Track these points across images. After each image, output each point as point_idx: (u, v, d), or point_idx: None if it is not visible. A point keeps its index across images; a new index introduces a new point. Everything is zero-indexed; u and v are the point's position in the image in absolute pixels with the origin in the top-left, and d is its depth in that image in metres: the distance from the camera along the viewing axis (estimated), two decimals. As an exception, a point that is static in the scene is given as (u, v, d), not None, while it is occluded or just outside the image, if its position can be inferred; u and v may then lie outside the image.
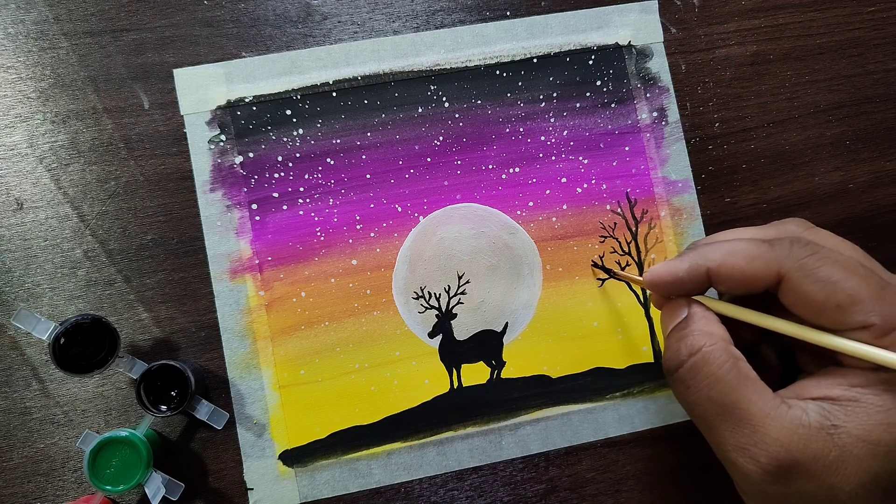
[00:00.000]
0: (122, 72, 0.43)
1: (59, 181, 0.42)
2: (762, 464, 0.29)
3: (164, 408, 0.39)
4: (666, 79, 0.45)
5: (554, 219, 0.44)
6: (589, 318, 0.44)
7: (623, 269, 0.44)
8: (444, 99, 0.44)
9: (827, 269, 0.30)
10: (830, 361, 0.32)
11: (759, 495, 0.30)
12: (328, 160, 0.43)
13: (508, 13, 0.45)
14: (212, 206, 0.42)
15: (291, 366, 0.42)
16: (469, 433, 0.42)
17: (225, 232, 0.42)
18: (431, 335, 0.43)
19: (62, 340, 0.37)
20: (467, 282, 0.43)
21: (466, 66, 0.44)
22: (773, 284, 0.31)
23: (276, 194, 0.43)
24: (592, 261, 0.44)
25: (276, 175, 0.43)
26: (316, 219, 0.43)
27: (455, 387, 0.43)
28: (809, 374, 0.32)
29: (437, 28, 0.44)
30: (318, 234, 0.43)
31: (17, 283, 0.41)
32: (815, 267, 0.30)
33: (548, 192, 0.44)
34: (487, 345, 0.43)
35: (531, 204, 0.44)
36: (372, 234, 0.43)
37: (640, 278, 0.39)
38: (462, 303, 0.43)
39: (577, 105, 0.45)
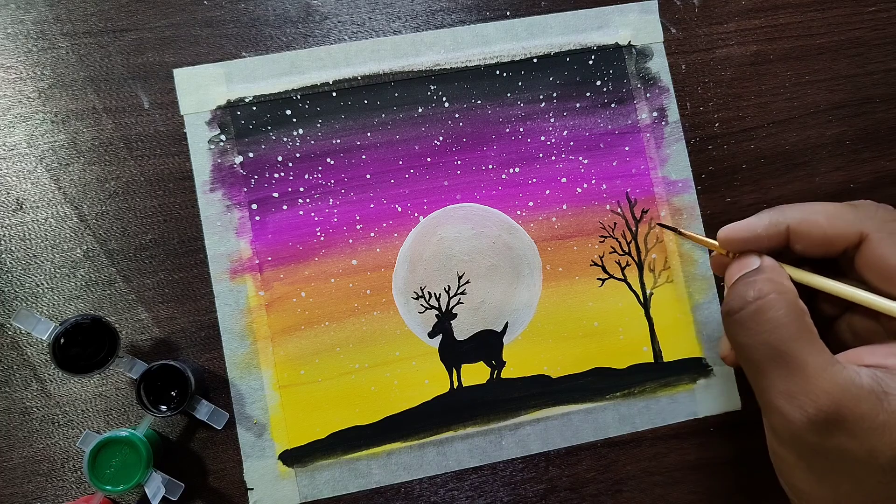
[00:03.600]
0: (122, 72, 0.43)
1: (59, 181, 0.42)
2: (808, 413, 0.29)
3: (164, 408, 0.39)
4: (666, 79, 0.45)
5: (554, 219, 0.44)
6: (589, 318, 0.44)
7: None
8: (444, 99, 0.44)
9: None
10: (879, 337, 0.32)
11: (795, 444, 0.30)
12: (328, 160, 0.43)
13: (508, 13, 0.45)
14: (212, 206, 0.42)
15: (291, 366, 0.42)
16: (469, 433, 0.42)
17: (225, 232, 0.42)
18: (431, 335, 0.43)
19: (62, 340, 0.37)
20: (467, 282, 0.43)
21: (466, 66, 0.44)
22: (852, 245, 0.32)
23: (276, 194, 0.43)
24: (660, 223, 0.44)
25: (276, 175, 0.43)
26: (316, 219, 0.43)
27: (455, 387, 0.43)
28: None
29: (437, 28, 0.44)
30: (318, 234, 0.43)
31: (17, 283, 0.41)
32: None
33: (548, 192, 0.44)
34: (487, 345, 0.43)
35: (531, 204, 0.44)
36: (372, 234, 0.43)
37: (710, 240, 0.38)
38: (462, 303, 0.43)
39: (577, 105, 0.45)
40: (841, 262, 0.34)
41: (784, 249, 0.35)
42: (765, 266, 0.33)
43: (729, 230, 0.35)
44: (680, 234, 0.42)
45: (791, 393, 0.30)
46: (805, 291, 0.34)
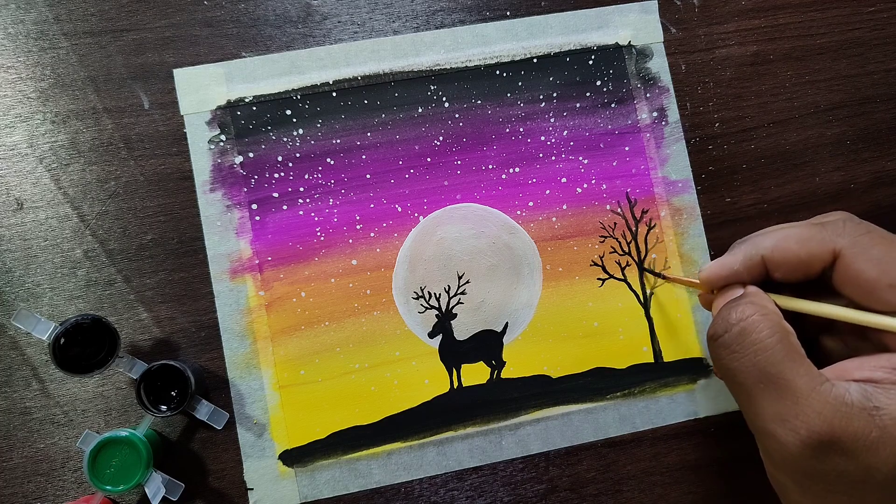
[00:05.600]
0: (122, 72, 0.43)
1: (59, 181, 0.42)
2: (802, 436, 0.29)
3: (164, 408, 0.39)
4: (666, 79, 0.45)
5: (554, 219, 0.44)
6: (589, 318, 0.44)
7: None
8: (444, 99, 0.44)
9: (881, 248, 0.30)
10: (866, 349, 0.32)
11: (791, 468, 0.30)
12: (328, 160, 0.43)
13: (508, 13, 0.45)
14: (212, 206, 0.42)
15: (291, 366, 0.42)
16: (469, 433, 0.42)
17: (225, 232, 0.42)
18: (431, 335, 0.43)
19: (62, 340, 0.37)
20: (467, 282, 0.43)
21: (466, 66, 0.44)
22: (828, 264, 0.32)
23: (276, 194, 0.43)
24: (644, 268, 0.44)
25: (276, 175, 0.43)
26: (316, 219, 0.43)
27: (455, 387, 0.43)
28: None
29: (437, 28, 0.44)
30: (318, 234, 0.43)
31: (17, 283, 0.41)
32: (869, 245, 0.31)
33: (548, 192, 0.44)
34: (487, 345, 0.43)
35: (531, 204, 0.44)
36: (372, 234, 0.43)
37: (694, 280, 0.38)
38: (462, 303, 0.43)
39: (577, 105, 0.45)
40: (823, 280, 0.34)
41: (766, 279, 0.34)
42: (748, 292, 0.33)
43: (708, 271, 0.35)
44: (664, 278, 0.43)
45: (783, 416, 0.29)
46: (789, 313, 0.34)
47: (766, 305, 0.32)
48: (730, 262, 0.34)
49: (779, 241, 0.33)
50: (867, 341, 0.33)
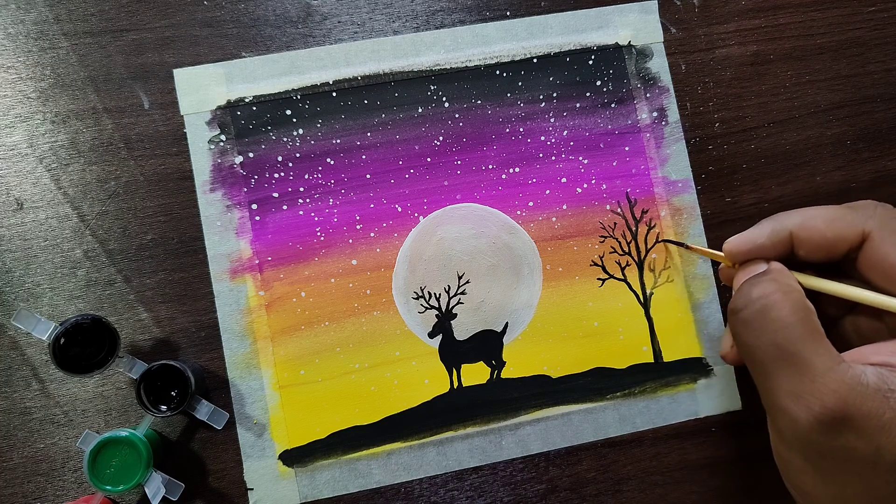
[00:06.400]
0: (122, 72, 0.43)
1: (59, 181, 0.42)
2: (815, 412, 0.29)
3: (164, 408, 0.39)
4: (666, 79, 0.45)
5: (554, 219, 0.44)
6: (589, 318, 0.44)
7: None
8: (444, 99, 0.44)
9: None
10: (883, 335, 0.33)
11: (801, 444, 0.30)
12: (328, 160, 0.43)
13: (508, 13, 0.45)
14: (212, 206, 0.42)
15: (291, 366, 0.42)
16: (469, 433, 0.42)
17: (225, 232, 0.42)
18: (431, 335, 0.43)
19: (62, 340, 0.37)
20: (467, 282, 0.43)
21: (466, 66, 0.44)
22: (854, 246, 0.32)
23: (276, 194, 0.43)
24: (664, 240, 0.44)
25: (276, 175, 0.43)
26: (316, 219, 0.43)
27: (455, 387, 0.43)
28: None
29: (437, 28, 0.44)
30: (318, 234, 0.43)
31: (17, 283, 0.41)
32: None
33: (548, 192, 0.44)
34: (487, 345, 0.43)
35: (531, 204, 0.44)
36: (372, 234, 0.43)
37: (718, 252, 0.38)
38: (462, 303, 0.43)
39: (577, 105, 0.45)
40: (844, 265, 0.34)
41: (789, 256, 0.35)
42: (771, 268, 0.34)
43: (733, 243, 0.35)
44: (687, 248, 0.43)
45: (797, 393, 0.29)
46: (809, 295, 0.34)
47: (789, 283, 0.32)
48: (756, 236, 0.34)
49: (808, 218, 0.33)
50: (884, 327, 0.33)
